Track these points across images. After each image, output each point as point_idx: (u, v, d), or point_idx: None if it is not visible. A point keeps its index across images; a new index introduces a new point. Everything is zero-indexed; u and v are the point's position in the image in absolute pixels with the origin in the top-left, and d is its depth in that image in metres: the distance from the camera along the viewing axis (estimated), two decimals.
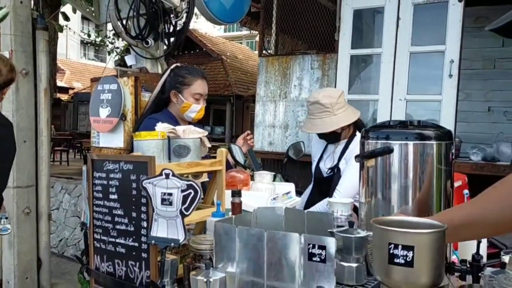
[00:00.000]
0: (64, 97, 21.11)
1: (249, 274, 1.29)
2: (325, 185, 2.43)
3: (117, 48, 15.55)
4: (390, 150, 1.41)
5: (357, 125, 2.50)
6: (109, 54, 16.72)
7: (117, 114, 2.68)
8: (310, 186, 2.68)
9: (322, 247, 1.19)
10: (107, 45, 16.67)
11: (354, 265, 1.34)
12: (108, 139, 2.80)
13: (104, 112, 2.77)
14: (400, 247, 0.99)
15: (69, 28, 14.88)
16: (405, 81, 3.65)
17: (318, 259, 1.19)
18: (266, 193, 1.89)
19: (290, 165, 2.83)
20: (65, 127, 20.39)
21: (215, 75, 15.55)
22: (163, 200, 1.34)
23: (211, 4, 3.50)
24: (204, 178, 1.93)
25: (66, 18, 6.41)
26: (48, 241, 3.83)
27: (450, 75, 3.56)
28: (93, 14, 3.13)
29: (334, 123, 2.37)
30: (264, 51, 4.73)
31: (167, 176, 1.34)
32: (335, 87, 3.99)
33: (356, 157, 1.52)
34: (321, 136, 2.51)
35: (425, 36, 3.78)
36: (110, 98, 2.74)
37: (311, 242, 1.20)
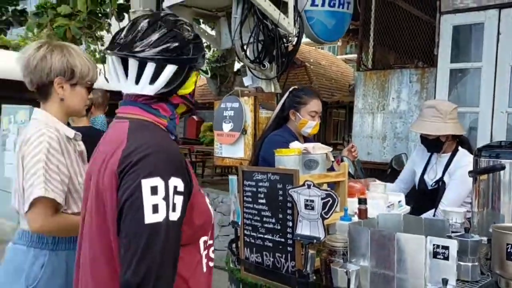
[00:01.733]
0: None
1: (380, 268, 1.58)
2: (430, 197, 2.61)
3: (207, 59, 16.44)
4: (502, 167, 1.64)
5: (462, 141, 2.67)
6: None
7: (239, 129, 3.11)
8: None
9: (445, 247, 1.45)
10: None
11: (470, 264, 1.59)
12: (230, 150, 3.23)
13: (227, 127, 3.21)
14: None
15: None
16: (506, 94, 3.70)
17: (442, 257, 1.46)
18: (382, 201, 2.16)
19: (388, 175, 3.07)
20: None
21: (298, 82, 15.79)
22: (306, 205, 1.67)
23: (315, 26, 3.85)
24: (324, 187, 2.24)
25: None
26: None
27: None
28: (215, 40, 3.58)
29: (442, 129, 2.53)
30: (362, 66, 4.97)
31: (309, 186, 1.67)
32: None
33: (469, 172, 1.75)
34: (423, 141, 2.68)
35: None
36: (233, 115, 3.16)
37: (435, 243, 1.47)
